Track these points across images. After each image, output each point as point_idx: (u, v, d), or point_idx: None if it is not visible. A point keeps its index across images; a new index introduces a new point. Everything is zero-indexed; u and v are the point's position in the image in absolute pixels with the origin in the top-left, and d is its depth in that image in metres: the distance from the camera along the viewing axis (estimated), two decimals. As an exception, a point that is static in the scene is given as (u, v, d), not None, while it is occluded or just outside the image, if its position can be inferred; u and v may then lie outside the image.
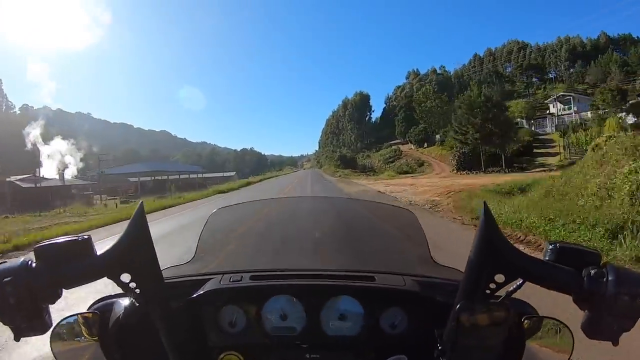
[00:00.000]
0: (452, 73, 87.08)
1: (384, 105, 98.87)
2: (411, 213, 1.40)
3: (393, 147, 67.82)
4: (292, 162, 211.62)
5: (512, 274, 0.57)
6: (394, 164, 55.67)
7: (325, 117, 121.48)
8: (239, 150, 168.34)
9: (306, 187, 28.58)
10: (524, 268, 0.56)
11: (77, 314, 0.72)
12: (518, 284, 0.60)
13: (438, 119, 53.38)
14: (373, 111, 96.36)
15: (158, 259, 0.62)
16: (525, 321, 0.69)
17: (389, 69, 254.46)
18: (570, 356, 0.70)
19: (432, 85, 70.05)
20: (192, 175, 65.55)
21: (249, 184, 45.28)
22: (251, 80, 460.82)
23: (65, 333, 0.72)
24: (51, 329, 0.59)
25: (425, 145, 58.78)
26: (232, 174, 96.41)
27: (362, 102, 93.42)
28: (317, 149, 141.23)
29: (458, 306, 0.59)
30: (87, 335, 0.71)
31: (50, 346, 0.70)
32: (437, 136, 54.63)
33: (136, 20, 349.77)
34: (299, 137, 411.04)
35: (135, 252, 0.58)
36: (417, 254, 1.23)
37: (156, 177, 55.15)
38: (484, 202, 0.60)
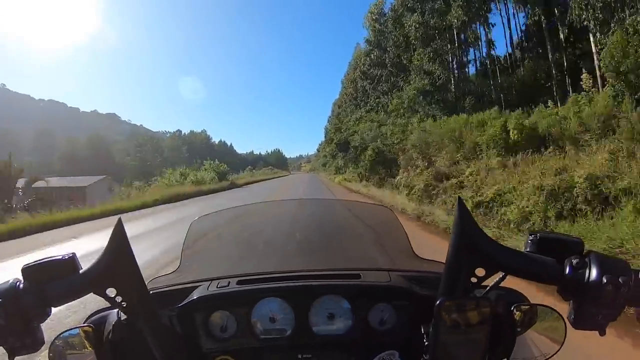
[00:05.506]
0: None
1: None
2: (388, 209, 1.44)
3: None
4: (281, 163, 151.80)
5: (491, 268, 0.55)
6: None
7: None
8: (163, 132, 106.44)
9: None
10: (503, 261, 0.54)
11: (72, 328, 0.73)
12: (501, 276, 0.59)
13: None
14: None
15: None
16: (515, 310, 0.67)
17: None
18: (562, 343, 0.70)
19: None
20: None
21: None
22: (239, 65, 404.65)
23: (62, 347, 0.73)
24: (49, 344, 0.61)
25: None
26: (89, 181, 36.33)
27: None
28: (322, 139, 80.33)
29: (437, 303, 0.57)
30: (83, 349, 0.72)
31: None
32: None
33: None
34: (297, 138, 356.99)
35: (118, 266, 0.59)
36: (399, 248, 1.23)
37: None
38: (458, 197, 0.59)
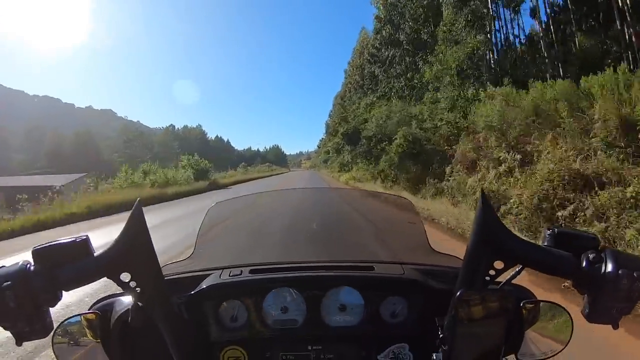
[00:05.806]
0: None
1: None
2: (407, 200, 1.40)
3: None
4: (280, 160, 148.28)
5: (510, 261, 0.57)
6: None
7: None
8: (159, 128, 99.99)
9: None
10: (522, 254, 0.56)
11: (78, 315, 0.71)
12: (517, 270, 0.60)
13: None
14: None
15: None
16: (524, 306, 0.68)
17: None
18: (569, 340, 0.71)
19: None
20: None
21: None
22: (238, 62, 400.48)
23: (66, 334, 0.71)
24: (53, 331, 0.60)
25: None
26: (67, 180, 32.53)
27: None
28: (323, 135, 76.08)
29: (457, 295, 0.58)
30: (89, 336, 0.71)
31: (52, 347, 0.70)
32: None
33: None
34: (297, 135, 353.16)
35: (134, 251, 0.57)
36: (415, 241, 1.21)
37: None
38: (481, 189, 0.61)
